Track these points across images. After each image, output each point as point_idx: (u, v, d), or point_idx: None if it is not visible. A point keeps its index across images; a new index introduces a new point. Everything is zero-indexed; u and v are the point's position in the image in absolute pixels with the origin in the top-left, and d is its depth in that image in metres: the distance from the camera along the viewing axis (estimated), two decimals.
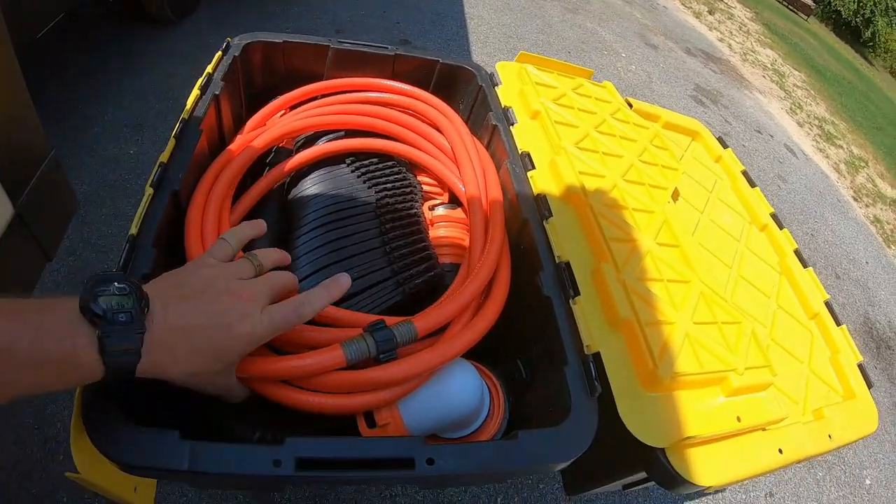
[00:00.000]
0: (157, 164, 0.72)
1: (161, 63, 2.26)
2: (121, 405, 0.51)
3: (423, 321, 0.67)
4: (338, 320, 0.69)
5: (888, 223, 4.06)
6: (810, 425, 0.85)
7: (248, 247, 0.66)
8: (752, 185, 1.25)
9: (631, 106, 1.23)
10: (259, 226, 0.66)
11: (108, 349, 0.41)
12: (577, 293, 0.73)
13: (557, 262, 0.77)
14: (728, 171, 1.28)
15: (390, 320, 0.66)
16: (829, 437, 0.85)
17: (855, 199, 4.11)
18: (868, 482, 2.05)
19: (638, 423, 0.64)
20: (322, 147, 0.93)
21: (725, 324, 0.80)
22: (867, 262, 3.30)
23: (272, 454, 0.51)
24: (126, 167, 1.86)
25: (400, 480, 0.62)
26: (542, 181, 0.88)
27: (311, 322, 0.62)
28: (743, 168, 1.29)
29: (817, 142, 4.62)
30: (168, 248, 0.69)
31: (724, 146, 1.33)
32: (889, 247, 3.74)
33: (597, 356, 0.67)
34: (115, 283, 0.43)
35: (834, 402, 0.93)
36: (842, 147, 4.86)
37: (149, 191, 0.69)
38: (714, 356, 0.74)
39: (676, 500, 1.59)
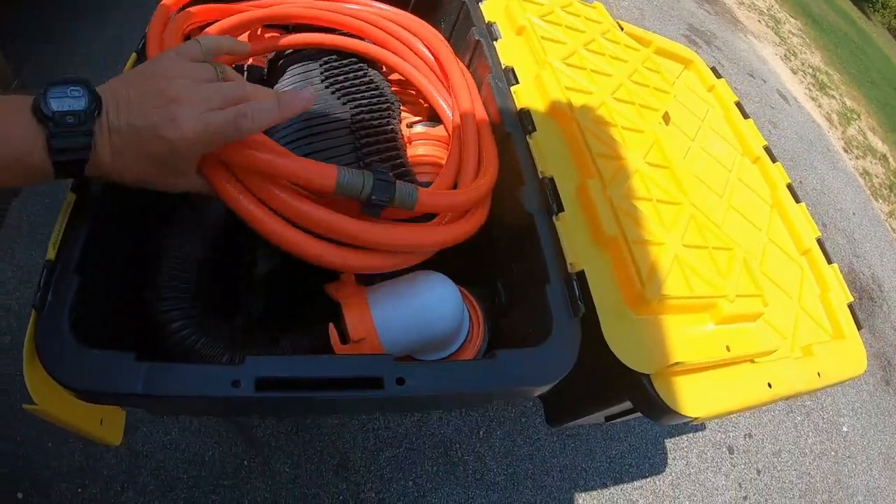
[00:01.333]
0: None
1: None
2: (78, 329, 0.47)
3: (428, 195, 0.61)
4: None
5: (877, 177, 4.03)
6: (800, 361, 0.82)
7: None
8: (746, 116, 1.20)
9: (622, 29, 1.16)
10: (243, 46, 0.64)
11: (55, 149, 0.43)
12: (560, 209, 0.67)
13: (541, 177, 0.71)
14: (721, 102, 1.23)
15: None
16: (819, 374, 0.82)
17: (845, 151, 4.05)
18: (845, 429, 2.06)
19: (623, 346, 0.60)
20: (297, 37, 0.87)
21: (716, 249, 0.75)
22: (854, 214, 3.27)
23: (231, 374, 0.48)
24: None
25: (368, 404, 0.57)
26: (525, 96, 0.81)
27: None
28: (736, 99, 1.23)
29: (810, 90, 4.54)
30: None
31: (718, 76, 1.27)
32: (876, 200, 3.71)
33: (581, 275, 0.62)
34: (70, 87, 0.44)
35: (823, 340, 0.90)
36: (835, 98, 4.77)
37: None
38: (704, 281, 0.70)
39: (658, 435, 1.58)
